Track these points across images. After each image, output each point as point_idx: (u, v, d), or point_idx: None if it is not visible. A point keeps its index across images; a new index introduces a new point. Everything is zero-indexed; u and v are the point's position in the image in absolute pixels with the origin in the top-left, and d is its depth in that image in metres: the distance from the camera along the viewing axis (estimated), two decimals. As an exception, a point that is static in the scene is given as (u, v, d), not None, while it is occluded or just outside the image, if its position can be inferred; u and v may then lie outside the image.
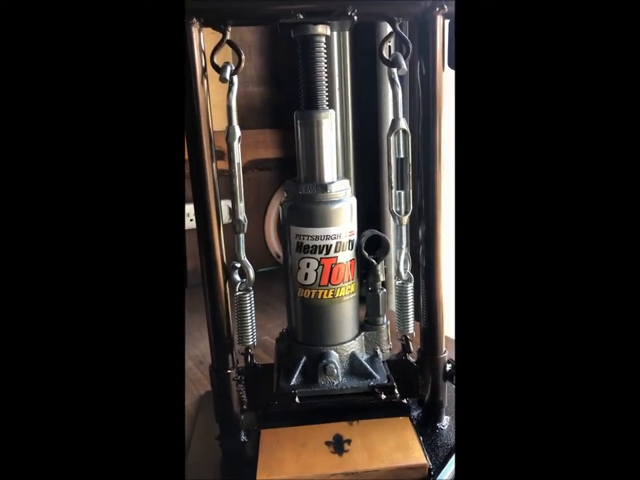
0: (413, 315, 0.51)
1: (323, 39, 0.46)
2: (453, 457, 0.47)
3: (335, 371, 0.46)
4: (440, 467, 0.46)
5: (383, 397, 0.46)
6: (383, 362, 0.51)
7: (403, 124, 0.46)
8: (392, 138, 0.46)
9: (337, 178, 0.48)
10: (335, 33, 0.92)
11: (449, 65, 0.46)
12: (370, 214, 0.97)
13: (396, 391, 0.46)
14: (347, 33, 0.94)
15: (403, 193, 0.48)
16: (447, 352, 0.52)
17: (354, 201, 0.48)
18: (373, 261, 0.49)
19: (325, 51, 0.46)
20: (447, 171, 0.48)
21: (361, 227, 0.51)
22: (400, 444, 0.47)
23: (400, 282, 0.50)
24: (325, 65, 0.47)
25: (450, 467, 0.46)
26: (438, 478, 0.44)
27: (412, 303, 0.51)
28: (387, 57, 0.45)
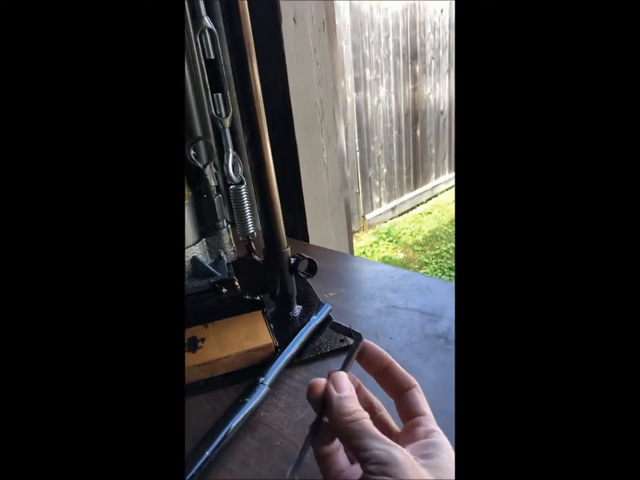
0: (251, 217, 0.54)
1: None
2: (300, 334, 0.52)
3: (174, 274, 0.47)
4: (287, 343, 0.51)
5: (224, 290, 0.48)
6: (228, 264, 0.53)
7: (207, 22, 0.45)
8: (198, 38, 0.46)
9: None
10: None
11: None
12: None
13: (237, 283, 0.49)
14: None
15: (220, 95, 0.48)
16: (290, 248, 0.56)
17: (170, 106, 0.48)
18: (200, 165, 0.50)
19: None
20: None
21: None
22: (250, 332, 0.51)
23: (233, 186, 0.52)
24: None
25: (297, 342, 0.51)
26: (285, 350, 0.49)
27: (248, 205, 0.53)
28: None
